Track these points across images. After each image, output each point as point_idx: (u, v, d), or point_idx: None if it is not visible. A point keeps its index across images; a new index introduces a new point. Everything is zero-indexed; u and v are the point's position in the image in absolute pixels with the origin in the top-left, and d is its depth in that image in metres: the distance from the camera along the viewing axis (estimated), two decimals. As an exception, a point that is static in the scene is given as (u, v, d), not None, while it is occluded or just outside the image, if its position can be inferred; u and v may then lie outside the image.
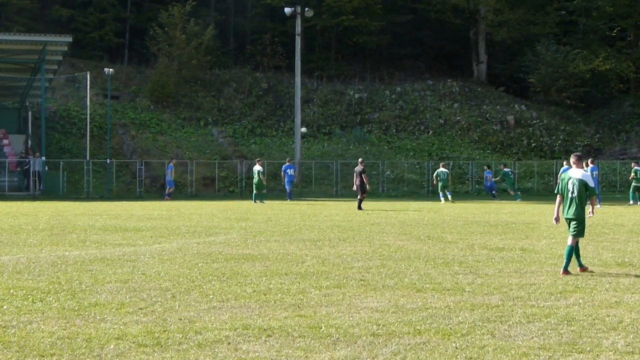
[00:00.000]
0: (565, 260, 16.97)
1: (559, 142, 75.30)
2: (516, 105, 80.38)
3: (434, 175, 52.13)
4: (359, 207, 40.61)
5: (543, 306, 13.04)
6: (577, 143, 75.75)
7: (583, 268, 17.20)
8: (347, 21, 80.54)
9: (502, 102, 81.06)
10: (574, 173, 17.35)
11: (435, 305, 13.14)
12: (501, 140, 74.65)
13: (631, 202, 47.46)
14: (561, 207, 17.53)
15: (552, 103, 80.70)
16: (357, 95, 78.94)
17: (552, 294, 14.20)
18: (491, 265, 18.06)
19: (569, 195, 17.19)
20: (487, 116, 77.51)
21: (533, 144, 74.70)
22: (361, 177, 41.34)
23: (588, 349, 10.15)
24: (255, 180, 48.94)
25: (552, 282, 15.59)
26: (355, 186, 42.24)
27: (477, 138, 74.37)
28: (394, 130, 74.29)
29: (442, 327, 11.39)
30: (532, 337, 10.76)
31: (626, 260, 19.05)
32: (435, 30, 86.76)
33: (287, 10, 64.61)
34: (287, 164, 52.05)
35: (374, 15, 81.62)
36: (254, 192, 48.79)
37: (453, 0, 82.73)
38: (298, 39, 64.39)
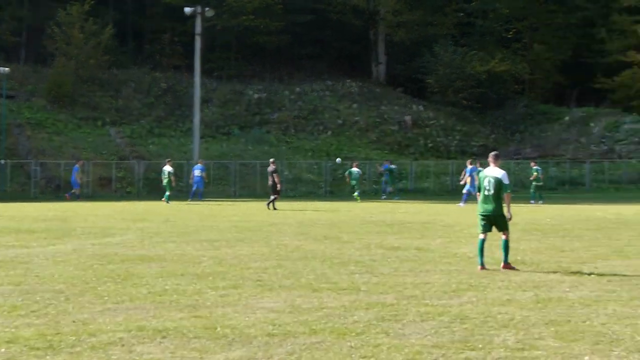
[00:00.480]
0: (503, 254, 17.76)
1: (455, 142, 76.28)
2: (414, 106, 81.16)
3: (346, 173, 52.87)
4: (273, 208, 40.46)
5: (437, 305, 13.21)
6: (472, 143, 76.82)
7: (482, 267, 17.66)
8: (247, 21, 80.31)
9: (401, 103, 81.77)
10: (490, 171, 17.90)
11: (331, 304, 13.21)
12: (399, 141, 75.27)
13: (532, 201, 48.18)
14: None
15: (449, 104, 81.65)
16: (256, 96, 78.80)
17: (446, 293, 14.40)
18: (387, 265, 18.23)
19: (485, 192, 17.78)
20: (385, 116, 78.09)
21: (430, 144, 75.53)
22: (273, 177, 41.31)
23: (480, 346, 10.32)
24: (165, 181, 48.72)
25: (446, 280, 15.80)
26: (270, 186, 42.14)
27: (375, 138, 74.86)
28: (293, 130, 74.36)
29: (338, 326, 11.46)
30: (426, 336, 10.90)
31: (518, 258, 19.39)
32: (336, 30, 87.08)
33: (187, 10, 64.15)
34: (198, 164, 52.37)
35: (274, 15, 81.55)
36: (167, 192, 48.49)
37: (353, 1, 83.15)
38: (198, 39, 63.98)
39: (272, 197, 41.17)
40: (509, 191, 17.88)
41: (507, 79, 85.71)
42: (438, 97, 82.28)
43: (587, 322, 11.79)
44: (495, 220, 17.94)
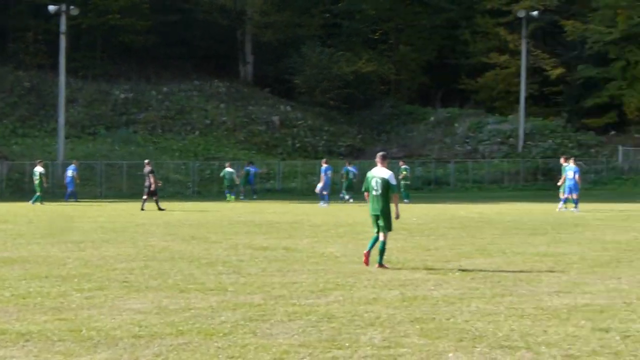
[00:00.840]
0: (379, 255, 17.88)
1: (323, 142, 76.78)
2: (282, 106, 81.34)
3: (221, 174, 52.99)
4: (158, 208, 40.05)
5: (304, 304, 13.26)
6: (340, 143, 77.47)
7: (382, 265, 17.96)
8: (113, 20, 79.15)
9: (268, 103, 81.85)
10: (377, 172, 18.07)
11: (199, 305, 13.14)
12: (267, 141, 75.38)
13: (406, 200, 48.68)
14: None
15: (316, 104, 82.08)
16: (122, 95, 77.77)
17: (313, 292, 14.47)
18: (254, 265, 18.23)
19: (374, 193, 17.99)
20: (253, 117, 78.08)
21: (297, 145, 75.85)
22: (149, 177, 40.89)
23: (347, 344, 10.40)
24: (37, 182, 47.78)
25: (314, 280, 15.88)
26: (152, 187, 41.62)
27: (243, 138, 74.78)
28: (160, 130, 73.67)
29: (205, 327, 11.41)
30: (293, 335, 10.93)
31: (384, 257, 19.59)
32: (203, 30, 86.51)
33: (52, 8, 62.91)
34: (72, 165, 51.81)
35: (140, 14, 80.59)
36: (38, 194, 47.47)
37: (220, 1, 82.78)
38: (63, 38, 62.79)
39: (144, 198, 40.78)
40: (396, 191, 18.31)
41: (374, 79, 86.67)
42: (306, 98, 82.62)
43: (452, 320, 11.99)
44: (380, 219, 18.10)
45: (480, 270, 17.33)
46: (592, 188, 67.39)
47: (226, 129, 75.57)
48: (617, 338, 10.76)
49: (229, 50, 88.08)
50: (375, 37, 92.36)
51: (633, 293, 14.34)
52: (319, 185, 45.70)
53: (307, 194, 60.87)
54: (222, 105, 78.79)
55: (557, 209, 38.72)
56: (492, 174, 70.17)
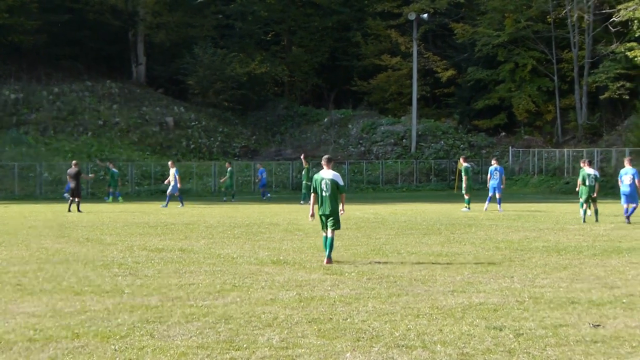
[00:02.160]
0: (327, 251, 18.92)
1: (217, 143, 76.52)
2: (175, 107, 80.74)
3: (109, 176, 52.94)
4: (77, 210, 39.42)
5: (201, 305, 13.23)
6: (234, 144, 77.30)
7: (329, 261, 18.68)
8: (1, 19, 77.53)
9: (162, 104, 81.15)
10: (325, 174, 19.08)
11: (94, 308, 13.00)
12: (160, 142, 74.77)
13: (302, 202, 48.65)
14: (316, 205, 19.06)
15: (210, 105, 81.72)
16: (12, 96, 76.19)
17: (211, 293, 14.44)
18: (150, 267, 18.10)
19: (323, 194, 18.93)
20: (147, 117, 77.34)
21: (192, 146, 75.43)
22: (77, 179, 40.31)
23: (245, 345, 10.42)
24: None
25: (211, 281, 15.84)
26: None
27: (136, 139, 74.03)
28: (52, 131, 72.43)
29: (101, 329, 11.30)
30: (191, 337, 10.90)
31: (281, 258, 19.68)
32: (94, 31, 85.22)
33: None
34: None
35: (30, 14, 79.06)
36: None
37: (111, 1, 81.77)
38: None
39: (76, 200, 40.15)
40: (344, 192, 19.19)
41: (267, 80, 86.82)
42: (199, 99, 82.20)
43: (349, 320, 12.09)
44: (329, 219, 19.00)
45: (376, 271, 17.49)
46: (483, 188, 68.54)
47: (119, 130, 74.70)
48: (511, 336, 10.99)
49: (121, 50, 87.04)
50: (268, 38, 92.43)
51: (525, 292, 14.64)
52: (170, 187, 45.77)
53: (202, 194, 60.61)
54: (114, 106, 77.84)
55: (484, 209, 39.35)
56: (386, 175, 70.81)
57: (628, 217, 31.36)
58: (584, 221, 31.44)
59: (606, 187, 59.22)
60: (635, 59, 66.32)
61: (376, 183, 69.62)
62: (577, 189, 32.87)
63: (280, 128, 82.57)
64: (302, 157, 52.80)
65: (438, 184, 70.45)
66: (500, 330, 11.36)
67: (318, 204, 19.12)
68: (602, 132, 73.52)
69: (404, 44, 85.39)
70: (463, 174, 40.42)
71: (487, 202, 39.63)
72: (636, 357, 9.91)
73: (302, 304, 13.44)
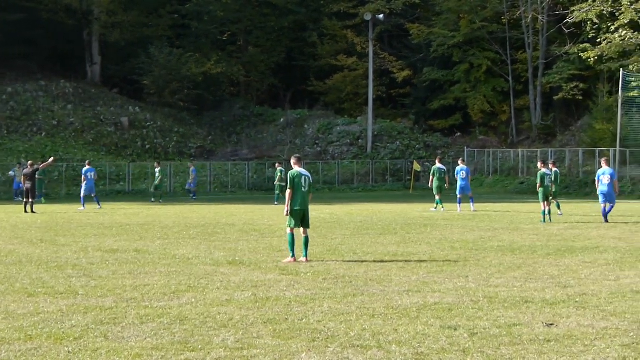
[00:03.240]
0: (304, 250, 19.30)
1: (173, 143, 76.26)
2: (130, 107, 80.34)
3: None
4: (31, 211, 39.03)
5: (156, 306, 13.17)
6: (190, 145, 77.07)
7: (294, 258, 19.13)
8: (-47, 18, 76.85)
9: (117, 104, 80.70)
10: (303, 171, 19.56)
11: (48, 309, 12.90)
12: (116, 142, 74.37)
13: (276, 202, 48.49)
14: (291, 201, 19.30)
15: (166, 105, 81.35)
16: (-35, 95, 75.56)
17: (166, 294, 14.38)
18: (105, 268, 17.99)
19: (302, 190, 19.31)
20: (102, 118, 76.88)
21: (147, 146, 75.10)
22: (32, 180, 39.98)
23: (200, 347, 10.38)
24: None
25: (166, 282, 15.78)
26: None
27: (91, 140, 73.58)
28: (5, 131, 71.79)
29: (55, 331, 11.21)
30: (146, 338, 10.84)
31: (237, 259, 19.65)
32: (48, 30, 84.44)
33: None
34: None
35: (-19, 13, 78.40)
36: None
37: (65, 0, 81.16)
38: None
39: (30, 201, 39.77)
40: (311, 191, 19.79)
41: (223, 81, 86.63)
42: (155, 99, 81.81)
43: (304, 320, 12.09)
44: (305, 215, 19.40)
45: (332, 271, 17.51)
46: (451, 189, 68.84)
47: (74, 130, 74.17)
48: (465, 335, 11.04)
49: (75, 50, 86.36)
50: (224, 38, 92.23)
51: (480, 291, 14.72)
52: (82, 188, 45.65)
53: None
54: (69, 106, 77.27)
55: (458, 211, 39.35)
56: (342, 175, 70.99)
57: (605, 217, 31.80)
58: (543, 221, 31.71)
59: (560, 187, 59.73)
60: (589, 60, 66.94)
61: (332, 183, 69.76)
62: (538, 189, 33.16)
63: (237, 128, 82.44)
64: (276, 165, 52.70)
65: (394, 184, 70.71)
66: (455, 329, 11.41)
67: (295, 200, 19.28)
68: (556, 132, 74.21)
69: (360, 44, 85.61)
70: (436, 174, 40.44)
71: (458, 205, 39.64)
72: (589, 356, 10.00)
73: (257, 304, 13.43)
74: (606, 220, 31.53)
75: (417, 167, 67.34)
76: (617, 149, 58.79)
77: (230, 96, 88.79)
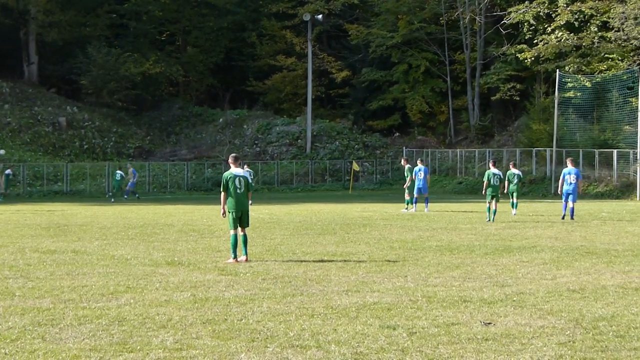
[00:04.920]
0: (243, 248, 19.32)
1: (111, 144, 75.75)
2: (68, 107, 79.61)
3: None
4: None
5: (94, 307, 13.08)
6: (129, 145, 76.61)
7: (235, 259, 19.13)
8: None
9: (54, 104, 79.93)
10: (237, 171, 19.47)
11: (-17, 312, 12.76)
12: (53, 142, 73.67)
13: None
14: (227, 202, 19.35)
15: (104, 105, 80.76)
16: None
17: (104, 295, 14.29)
18: (42, 269, 17.81)
19: (238, 191, 19.26)
20: (39, 117, 76.11)
21: (85, 146, 74.51)
22: None
23: (138, 347, 10.33)
24: None
25: (104, 283, 15.67)
26: None
27: (28, 140, 72.82)
28: (-61, 132, 70.85)
29: (-9, 333, 11.09)
30: (84, 339, 10.77)
31: (175, 259, 19.57)
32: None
33: None
34: None
35: None
36: None
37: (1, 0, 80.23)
38: None
39: None
40: (252, 189, 20.12)
41: (162, 80, 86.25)
42: (93, 99, 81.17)
43: (243, 320, 12.08)
44: (243, 216, 19.37)
45: (271, 271, 17.51)
46: (379, 189, 69.22)
47: (11, 130, 73.34)
48: (404, 335, 11.11)
49: (12, 49, 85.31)
50: (163, 38, 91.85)
51: (419, 291, 14.81)
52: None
53: (96, 195, 59.91)
54: (6, 106, 76.39)
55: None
56: (281, 175, 70.97)
57: (572, 215, 32.90)
58: (491, 220, 32.11)
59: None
60: (526, 61, 67.69)
61: (271, 183, 69.73)
62: (483, 190, 33.59)
63: (175, 128, 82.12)
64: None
65: (333, 184, 70.87)
66: (394, 329, 11.47)
67: (230, 202, 19.27)
68: (494, 132, 74.89)
69: (299, 44, 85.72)
70: (407, 174, 40.63)
71: (414, 204, 39.77)
72: (526, 354, 10.11)
73: (196, 305, 13.39)
74: (572, 218, 32.65)
75: (356, 167, 67.55)
76: (554, 149, 59.47)
77: (169, 96, 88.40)
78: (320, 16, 77.82)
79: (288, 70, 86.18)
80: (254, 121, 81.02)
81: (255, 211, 39.26)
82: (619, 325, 11.79)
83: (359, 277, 16.63)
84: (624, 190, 55.26)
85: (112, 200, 53.83)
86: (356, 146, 77.30)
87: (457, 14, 76.14)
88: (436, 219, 33.78)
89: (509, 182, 35.58)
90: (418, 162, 41.36)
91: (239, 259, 19.19)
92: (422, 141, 77.98)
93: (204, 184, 66.52)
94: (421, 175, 39.51)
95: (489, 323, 11.93)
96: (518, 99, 72.17)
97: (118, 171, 55.40)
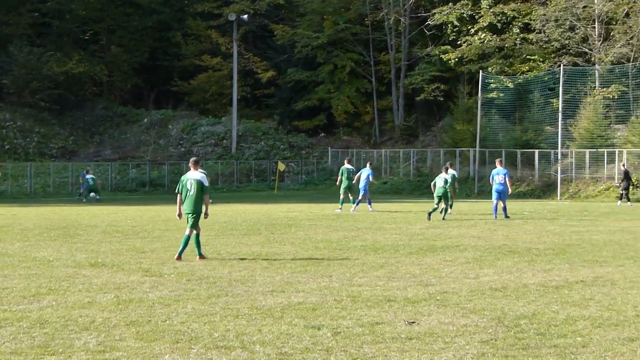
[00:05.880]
0: (181, 247, 19.83)
1: (34, 144, 74.75)
2: (-11, 107, 78.46)
3: None
4: None
5: (15, 310, 12.90)
6: (51, 145, 75.64)
7: (202, 257, 19.78)
8: None
9: (-26, 104, 78.71)
10: (192, 175, 20.02)
11: None
12: (-27, 143, 72.55)
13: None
14: (182, 204, 20.15)
15: (26, 105, 79.52)
16: None
17: (25, 297, 14.10)
18: (-38, 272, 17.53)
19: (188, 193, 19.89)
20: (-42, 118, 74.85)
21: (7, 146, 73.40)
22: None
23: (60, 350, 10.22)
24: None
25: (26, 285, 15.47)
26: None
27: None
28: None
29: None
30: (4, 342, 10.62)
31: (99, 260, 19.40)
32: None
33: None
34: None
35: None
36: None
37: None
38: None
39: None
40: (208, 192, 20.18)
41: (86, 80, 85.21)
42: (14, 98, 79.84)
43: (168, 322, 12.02)
44: (193, 217, 19.93)
45: (196, 272, 17.44)
46: (304, 189, 69.32)
47: None
48: (329, 335, 11.14)
49: None
50: (86, 37, 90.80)
51: (343, 291, 14.87)
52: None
53: (17, 196, 59.09)
54: None
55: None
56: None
57: (504, 213, 34.03)
58: (435, 216, 32.80)
59: (422, 187, 60.83)
60: (449, 61, 68.36)
61: (197, 184, 69.28)
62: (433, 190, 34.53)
63: (99, 128, 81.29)
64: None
65: (258, 184, 70.82)
66: (319, 329, 11.50)
67: (184, 203, 19.98)
68: (418, 133, 75.45)
69: (225, 44, 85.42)
70: (344, 175, 40.60)
71: (355, 204, 39.88)
72: (449, 352, 10.21)
73: (120, 306, 13.29)
74: (505, 216, 33.72)
75: (281, 167, 67.59)
76: (477, 149, 60.16)
77: (93, 96, 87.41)
78: (245, 16, 77.67)
79: (213, 70, 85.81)
80: (179, 121, 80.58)
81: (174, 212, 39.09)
82: (540, 323, 11.97)
83: (284, 277, 16.64)
84: (546, 190, 56.12)
85: (84, 200, 53.39)
86: (282, 146, 77.33)
87: (382, 14, 76.57)
88: (361, 219, 33.94)
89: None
90: (367, 165, 41.66)
91: (175, 257, 19.68)
92: (348, 141, 78.23)
93: (129, 185, 66.03)
94: (363, 176, 39.83)
95: (413, 322, 12.01)
96: (442, 99, 72.77)
97: (88, 176, 54.83)
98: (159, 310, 12.91)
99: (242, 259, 19.88)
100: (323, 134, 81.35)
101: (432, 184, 34.82)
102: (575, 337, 11.11)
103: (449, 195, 33.91)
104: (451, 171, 35.95)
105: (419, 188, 61.56)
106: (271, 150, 76.49)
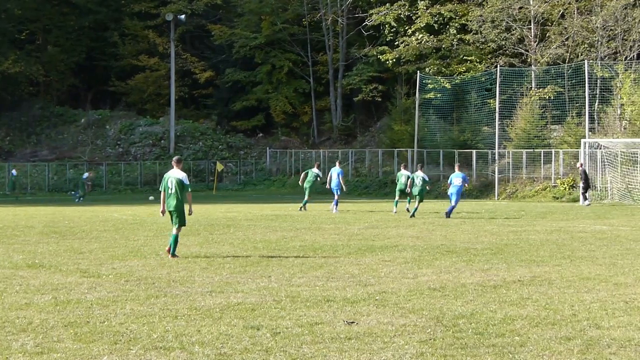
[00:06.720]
0: (172, 246, 20.23)
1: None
2: None
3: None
4: None
5: (-49, 313, 12.76)
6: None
7: (174, 256, 20.11)
8: None
9: None
10: (173, 173, 20.67)
11: None
12: None
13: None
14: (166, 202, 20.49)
15: (-39, 105, 78.69)
16: None
17: (-38, 300, 13.95)
18: None
19: (169, 192, 20.43)
20: None
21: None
22: None
23: (-2, 352, 10.14)
24: None
25: (-39, 288, 15.30)
26: None
27: None
28: None
29: None
30: (-60, 346, 10.51)
31: (37, 261, 19.22)
32: None
33: None
34: None
35: None
36: None
37: None
38: None
39: None
40: (189, 190, 20.71)
41: (22, 80, 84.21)
42: (-52, 99, 78.84)
43: (106, 323, 11.96)
44: (173, 215, 20.43)
45: (135, 272, 17.37)
46: (242, 189, 69.23)
47: None
48: (268, 335, 11.17)
49: None
50: (22, 37, 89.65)
51: (282, 291, 14.90)
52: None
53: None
54: None
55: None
56: (144, 176, 70.29)
57: (449, 213, 35.00)
58: (402, 213, 34.20)
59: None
60: (387, 62, 68.70)
61: (135, 184, 69.05)
62: (407, 189, 37.17)
63: (36, 129, 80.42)
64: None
65: (197, 184, 70.53)
66: (258, 329, 11.52)
67: (167, 200, 20.43)
68: (357, 133, 75.73)
69: (162, 44, 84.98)
70: (312, 177, 41.39)
71: (334, 204, 40.11)
72: (388, 352, 10.28)
73: (58, 307, 13.20)
74: (448, 216, 34.58)
75: (219, 167, 67.44)
76: (415, 149, 60.55)
77: (29, 96, 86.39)
78: (183, 16, 77.42)
79: (151, 70, 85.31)
80: (116, 121, 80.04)
81: (119, 212, 38.93)
82: (478, 323, 12.10)
83: (223, 277, 16.64)
84: (483, 190, 56.65)
85: (81, 200, 52.78)
86: (220, 147, 77.18)
87: (319, 15, 76.75)
88: (300, 220, 34.01)
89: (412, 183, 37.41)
90: (337, 163, 42.20)
91: (170, 255, 20.15)
92: (286, 142, 78.28)
93: (66, 185, 65.41)
94: (335, 176, 40.22)
95: (352, 322, 12.08)
96: (380, 100, 73.07)
97: (86, 173, 54.30)
98: (97, 312, 12.85)
99: (183, 260, 19.82)
100: (261, 135, 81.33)
101: (402, 181, 37.79)
102: (513, 336, 11.25)
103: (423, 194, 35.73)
104: (420, 173, 36.84)
105: (357, 188, 61.79)
106: (209, 150, 76.29)
